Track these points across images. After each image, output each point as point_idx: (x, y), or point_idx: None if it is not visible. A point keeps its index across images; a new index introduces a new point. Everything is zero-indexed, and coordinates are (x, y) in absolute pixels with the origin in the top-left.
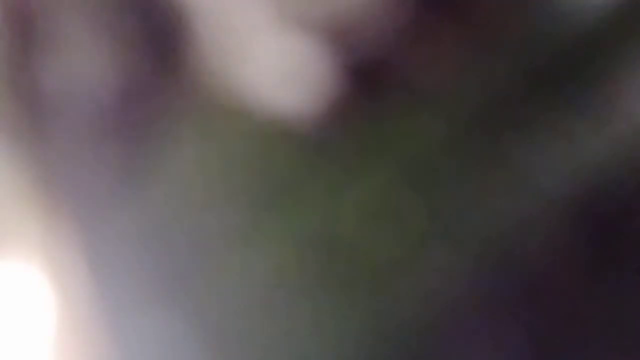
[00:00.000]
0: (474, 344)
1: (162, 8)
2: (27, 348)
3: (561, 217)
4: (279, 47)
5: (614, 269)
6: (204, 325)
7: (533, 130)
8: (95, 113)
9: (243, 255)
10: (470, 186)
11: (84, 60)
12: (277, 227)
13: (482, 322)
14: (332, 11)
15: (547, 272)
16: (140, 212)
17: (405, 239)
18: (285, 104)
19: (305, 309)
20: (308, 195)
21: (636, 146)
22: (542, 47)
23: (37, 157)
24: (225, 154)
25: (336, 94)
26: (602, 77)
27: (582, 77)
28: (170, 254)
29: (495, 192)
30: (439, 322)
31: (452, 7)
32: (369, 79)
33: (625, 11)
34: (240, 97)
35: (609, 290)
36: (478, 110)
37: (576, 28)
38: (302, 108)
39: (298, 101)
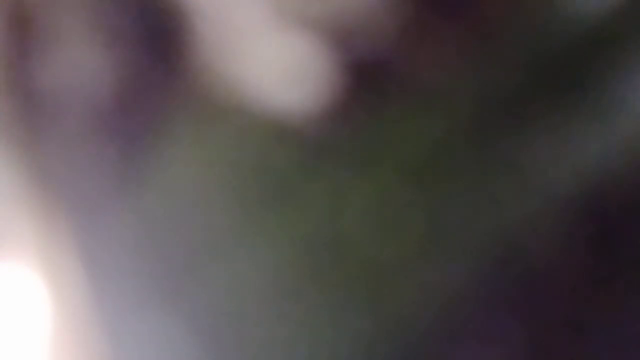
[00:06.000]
0: (474, 343)
1: (161, 7)
2: (24, 350)
3: (562, 217)
4: (279, 46)
5: (615, 268)
6: (201, 327)
7: (534, 130)
8: (93, 113)
9: (241, 256)
10: (471, 186)
11: (81, 60)
12: (276, 227)
13: (483, 322)
14: (332, 10)
15: (549, 271)
16: (138, 212)
17: (406, 239)
18: (285, 103)
19: (304, 309)
20: (308, 195)
21: (638, 145)
22: (543, 46)
23: (34, 158)
24: (225, 153)
25: (336, 93)
26: (603, 77)
27: (584, 77)
28: (167, 254)
29: (496, 192)
30: (439, 322)
31: (452, 6)
32: (369, 78)
33: (627, 10)
34: (240, 96)
35: (610, 289)
36: (479, 110)
37: (578, 27)
38: (302, 107)
39: (298, 100)
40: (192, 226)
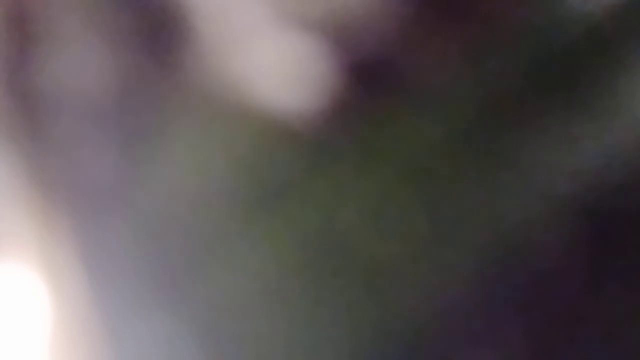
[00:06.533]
0: (474, 344)
1: (160, 7)
2: (24, 350)
3: (562, 217)
4: (278, 46)
5: (615, 269)
6: (201, 327)
7: (534, 130)
8: (93, 113)
9: (241, 256)
10: (471, 186)
11: (81, 60)
12: (276, 228)
13: (483, 322)
14: (332, 10)
15: (548, 271)
16: (138, 212)
17: (406, 239)
18: (285, 104)
19: (304, 309)
20: (308, 194)
21: (638, 145)
22: (543, 46)
23: (34, 158)
24: (224, 153)
25: (336, 94)
26: (603, 76)
27: (584, 77)
28: (167, 255)
29: (496, 192)
30: (439, 322)
31: (452, 6)
32: (369, 79)
33: (627, 10)
34: (240, 96)
35: (610, 290)
36: (479, 110)
37: (578, 27)
38: (302, 107)
39: (298, 101)
40: (192, 226)
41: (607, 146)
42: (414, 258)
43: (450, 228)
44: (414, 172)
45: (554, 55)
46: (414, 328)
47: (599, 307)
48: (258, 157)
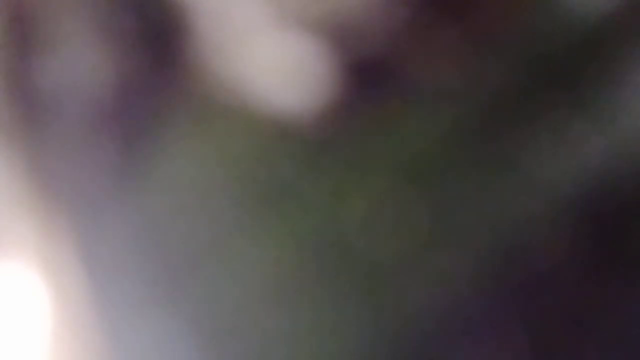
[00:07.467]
0: (476, 343)
1: (161, 7)
2: (24, 350)
3: (563, 217)
4: (279, 47)
5: (615, 269)
6: (202, 327)
7: (534, 130)
8: (93, 113)
9: (242, 256)
10: (471, 186)
11: (81, 60)
12: (277, 227)
13: (484, 323)
14: (332, 10)
15: (549, 272)
16: (138, 212)
17: (407, 239)
18: (285, 104)
19: (305, 309)
20: (308, 194)
21: (638, 145)
22: (543, 46)
23: (34, 157)
24: (224, 153)
25: (336, 94)
26: (603, 77)
27: (584, 77)
28: (167, 254)
29: (496, 192)
30: (440, 322)
31: (452, 6)
32: (369, 79)
33: (626, 10)
34: (240, 96)
35: (610, 290)
36: (479, 110)
37: (577, 27)
38: (302, 107)
39: (298, 101)
40: (192, 226)
41: (608, 146)
42: (414, 258)
43: (450, 228)
44: (414, 172)
45: (554, 55)
46: (415, 327)
47: (600, 306)
48: (258, 157)
